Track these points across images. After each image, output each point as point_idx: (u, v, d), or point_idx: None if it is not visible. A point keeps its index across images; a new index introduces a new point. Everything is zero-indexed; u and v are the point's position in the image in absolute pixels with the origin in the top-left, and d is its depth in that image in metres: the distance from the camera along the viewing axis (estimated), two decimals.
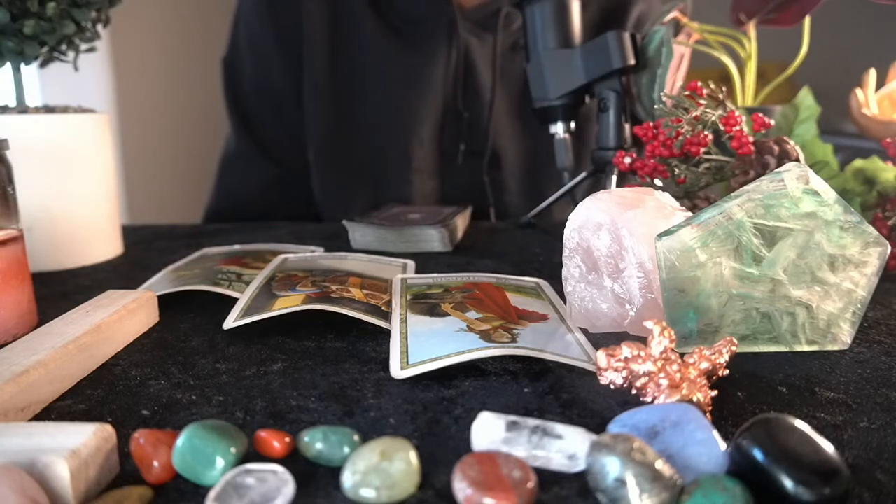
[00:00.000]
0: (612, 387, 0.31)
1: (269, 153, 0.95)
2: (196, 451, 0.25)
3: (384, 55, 0.89)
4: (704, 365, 0.31)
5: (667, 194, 0.42)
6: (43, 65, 0.61)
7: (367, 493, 0.24)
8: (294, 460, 0.27)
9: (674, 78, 0.72)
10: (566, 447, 0.26)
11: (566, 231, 0.42)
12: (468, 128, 0.91)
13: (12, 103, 0.59)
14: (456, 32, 0.87)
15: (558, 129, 0.73)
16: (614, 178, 0.68)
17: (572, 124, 0.73)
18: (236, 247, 0.62)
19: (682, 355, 0.31)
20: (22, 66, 0.58)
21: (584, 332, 0.41)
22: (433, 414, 0.31)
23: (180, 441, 0.26)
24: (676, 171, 0.57)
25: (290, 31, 0.89)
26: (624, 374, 0.30)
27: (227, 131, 0.98)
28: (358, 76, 0.89)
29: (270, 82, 0.92)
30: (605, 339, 0.40)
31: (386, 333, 0.41)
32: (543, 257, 0.62)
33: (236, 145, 0.96)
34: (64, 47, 0.60)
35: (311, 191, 0.95)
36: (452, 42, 0.88)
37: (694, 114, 0.54)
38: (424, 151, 0.90)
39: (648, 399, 0.30)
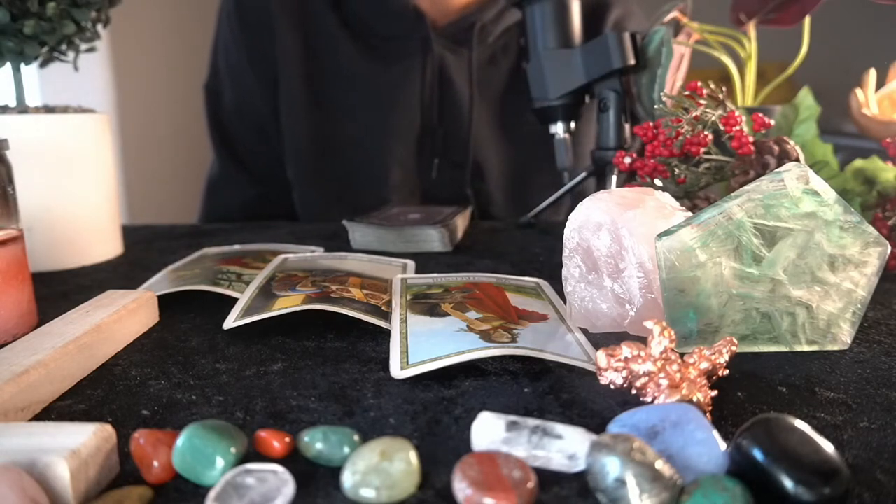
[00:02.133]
0: (612, 387, 0.31)
1: (251, 174, 0.97)
2: (196, 451, 0.25)
3: (359, 75, 0.89)
4: (704, 365, 0.31)
5: (667, 194, 0.42)
6: (43, 65, 0.61)
7: (367, 493, 0.24)
8: (294, 460, 0.27)
9: (674, 78, 0.72)
10: (566, 447, 0.26)
11: (566, 231, 0.42)
12: (443, 142, 0.91)
13: (12, 103, 0.59)
14: (430, 49, 0.87)
15: (558, 129, 0.73)
16: (614, 178, 0.68)
17: (572, 124, 0.73)
18: (236, 247, 0.62)
19: (682, 355, 0.31)
20: (22, 66, 0.58)
21: (584, 332, 0.41)
22: (433, 414, 0.31)
23: (180, 441, 0.26)
24: (676, 171, 0.57)
25: (266, 57, 0.90)
26: (624, 374, 0.30)
27: (211, 155, 0.99)
28: (334, 96, 0.90)
29: (250, 107, 0.94)
30: (605, 339, 0.40)
31: (386, 333, 0.41)
32: (543, 257, 0.62)
33: (220, 168, 0.98)
34: (64, 47, 0.60)
35: (293, 209, 0.96)
36: (427, 59, 0.88)
37: (694, 114, 0.54)
38: (403, 168, 0.91)
39: (648, 399, 0.30)
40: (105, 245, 0.63)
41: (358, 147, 0.91)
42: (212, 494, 0.24)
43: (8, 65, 0.57)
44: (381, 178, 0.90)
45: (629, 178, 0.61)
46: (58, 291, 0.52)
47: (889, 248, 0.37)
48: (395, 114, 0.89)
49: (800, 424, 0.25)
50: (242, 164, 0.97)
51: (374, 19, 0.89)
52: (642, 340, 0.32)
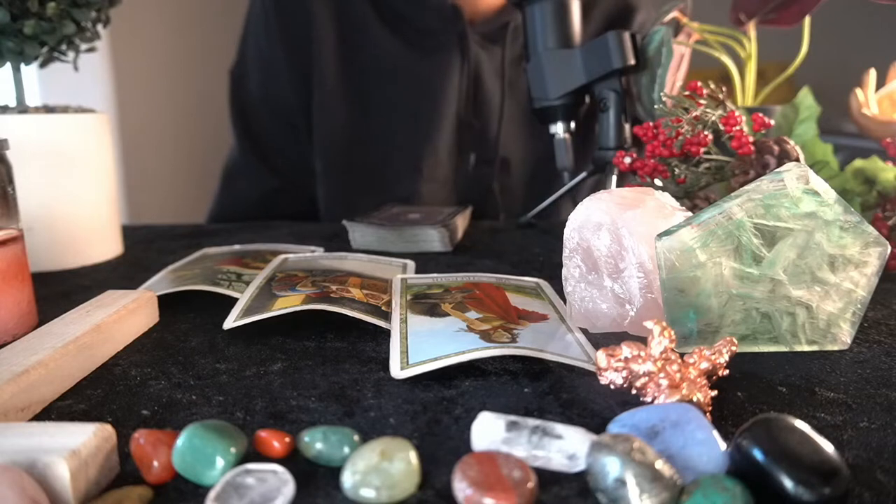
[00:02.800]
0: (612, 387, 0.31)
1: (272, 165, 0.96)
2: (196, 451, 0.25)
3: (399, 66, 0.90)
4: (704, 365, 0.31)
5: (667, 194, 0.42)
6: (43, 65, 0.61)
7: (368, 493, 0.24)
8: (294, 460, 0.27)
9: (674, 78, 0.72)
10: (566, 447, 0.26)
11: (566, 231, 0.42)
12: (479, 138, 0.92)
13: (12, 103, 0.59)
14: (467, 45, 0.88)
15: (558, 129, 0.73)
16: (614, 178, 0.68)
17: (572, 124, 0.73)
18: (236, 247, 0.62)
19: (682, 355, 0.31)
20: (22, 66, 0.58)
21: (584, 332, 0.41)
22: (433, 414, 0.31)
23: (180, 441, 0.26)
24: (676, 171, 0.57)
25: (301, 48, 0.90)
26: (624, 374, 0.30)
27: (232, 142, 0.99)
28: (370, 89, 0.90)
29: (278, 96, 0.93)
30: (605, 339, 0.40)
31: (386, 333, 0.41)
32: (543, 257, 0.62)
33: (240, 156, 0.97)
34: (64, 47, 0.60)
35: (312, 203, 0.96)
36: (465, 55, 0.89)
37: (694, 114, 0.54)
38: (437, 161, 0.91)
39: (648, 399, 0.30)
40: (105, 245, 0.63)
41: (394, 138, 0.91)
42: (212, 494, 0.24)
43: (8, 65, 0.57)
44: (416, 169, 0.90)
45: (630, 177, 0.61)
46: (58, 291, 0.52)
47: (889, 248, 0.37)
48: (435, 105, 0.90)
49: (800, 424, 0.25)
50: (264, 155, 0.96)
51: (411, 12, 0.89)
52: (642, 340, 0.32)
